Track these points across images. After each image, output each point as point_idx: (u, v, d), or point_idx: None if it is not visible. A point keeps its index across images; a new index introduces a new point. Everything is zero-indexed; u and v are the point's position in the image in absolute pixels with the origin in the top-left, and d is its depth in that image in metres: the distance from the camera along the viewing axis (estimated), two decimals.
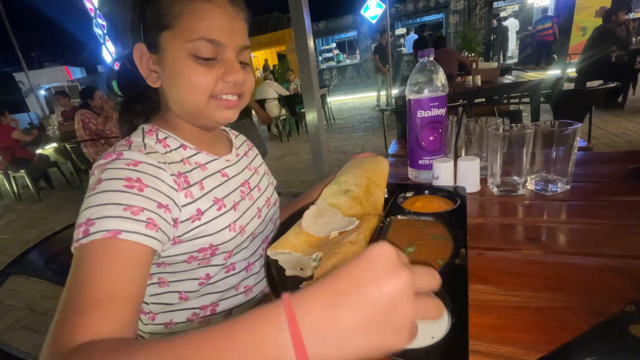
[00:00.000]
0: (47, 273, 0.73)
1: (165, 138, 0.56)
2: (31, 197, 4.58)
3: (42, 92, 11.87)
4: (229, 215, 0.56)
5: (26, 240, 3.24)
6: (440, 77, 0.75)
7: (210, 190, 0.56)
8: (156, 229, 0.43)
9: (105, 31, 8.59)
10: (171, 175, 0.50)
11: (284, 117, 5.89)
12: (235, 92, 0.55)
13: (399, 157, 2.28)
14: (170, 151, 0.54)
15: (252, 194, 0.65)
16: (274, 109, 5.64)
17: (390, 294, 0.24)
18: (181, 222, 0.50)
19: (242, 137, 0.77)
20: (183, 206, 0.50)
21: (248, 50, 0.56)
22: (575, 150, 0.66)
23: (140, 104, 0.59)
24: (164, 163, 0.50)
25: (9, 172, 4.42)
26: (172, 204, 0.48)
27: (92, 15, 8.55)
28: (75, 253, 0.39)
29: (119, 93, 0.59)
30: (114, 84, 0.59)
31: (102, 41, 8.79)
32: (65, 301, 0.35)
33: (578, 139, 0.66)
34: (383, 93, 7.73)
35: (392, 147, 2.63)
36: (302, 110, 5.66)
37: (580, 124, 0.66)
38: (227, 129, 0.76)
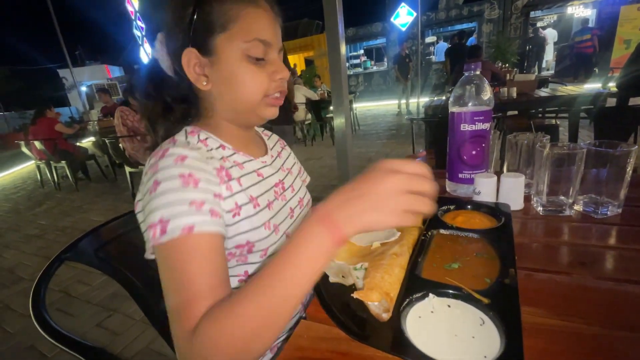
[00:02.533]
0: (95, 261, 0.78)
1: (206, 139, 0.58)
2: (69, 186, 4.86)
3: (84, 89, 12.60)
4: (264, 213, 0.58)
5: (63, 227, 3.43)
6: (487, 91, 0.74)
7: (247, 188, 0.58)
8: (218, 216, 0.49)
9: (143, 33, 9.03)
10: (214, 168, 0.53)
11: (309, 121, 5.95)
12: (281, 90, 0.59)
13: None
14: (210, 150, 0.57)
15: (286, 194, 0.67)
16: (301, 113, 5.72)
17: (385, 188, 0.36)
18: (225, 212, 0.53)
19: (275, 137, 0.79)
20: (225, 198, 0.53)
21: (283, 51, 0.60)
22: (630, 173, 0.63)
23: (179, 109, 0.60)
24: (207, 158, 0.53)
25: (51, 162, 4.71)
26: (220, 194, 0.52)
27: (133, 17, 9.02)
28: (159, 250, 0.45)
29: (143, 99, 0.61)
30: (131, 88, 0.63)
31: (140, 42, 9.25)
32: (179, 292, 0.43)
33: (633, 161, 0.63)
34: (404, 101, 7.82)
35: (420, 157, 2.59)
36: (327, 116, 5.70)
37: (636, 147, 0.63)
38: (261, 129, 0.78)
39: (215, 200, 0.50)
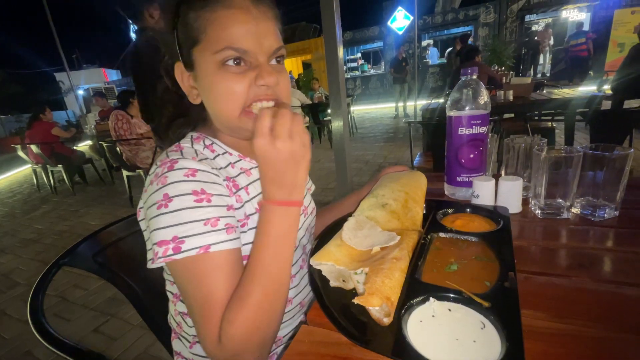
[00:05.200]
0: (93, 266, 0.77)
1: (212, 144, 0.57)
2: (66, 190, 4.84)
3: (80, 92, 12.57)
4: None
5: (60, 231, 3.41)
6: (483, 95, 0.75)
7: (255, 197, 0.57)
8: (234, 229, 0.49)
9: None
10: (223, 180, 0.52)
11: (307, 124, 5.97)
12: (270, 98, 0.52)
13: (424, 170, 2.25)
14: (216, 156, 0.56)
15: None
16: None
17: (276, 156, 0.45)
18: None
19: None
20: (237, 209, 0.53)
21: (282, 50, 0.54)
22: (627, 176, 0.63)
23: (182, 120, 0.60)
24: (216, 169, 0.52)
25: (48, 165, 4.68)
26: (232, 205, 0.52)
27: (130, 21, 9.02)
28: (174, 265, 0.46)
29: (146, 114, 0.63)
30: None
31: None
32: (200, 306, 0.46)
33: (630, 164, 0.63)
34: (401, 104, 7.90)
35: (417, 160, 2.60)
36: (325, 119, 5.71)
37: (632, 150, 0.64)
38: None
39: (230, 213, 0.50)
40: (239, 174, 0.57)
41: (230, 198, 0.52)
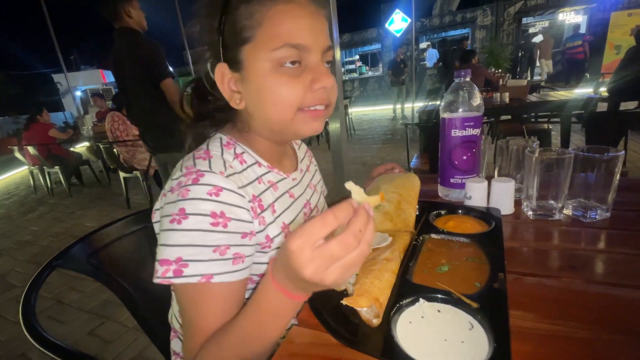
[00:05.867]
0: (87, 268, 0.77)
1: (242, 153, 0.54)
2: (63, 192, 4.81)
3: (78, 94, 12.53)
4: None
5: (56, 232, 3.39)
6: (476, 97, 0.75)
7: (280, 215, 0.54)
8: (242, 260, 0.47)
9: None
10: (249, 202, 0.49)
11: None
12: (323, 102, 0.50)
13: (420, 172, 2.26)
14: (246, 168, 0.53)
15: (313, 215, 0.64)
16: None
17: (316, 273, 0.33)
18: (255, 246, 0.51)
19: (304, 147, 0.76)
20: (257, 233, 0.50)
21: (331, 51, 0.51)
22: (618, 178, 0.64)
23: (209, 120, 0.56)
24: (243, 187, 0.49)
25: (45, 167, 4.66)
26: (252, 230, 0.49)
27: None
28: (173, 285, 0.45)
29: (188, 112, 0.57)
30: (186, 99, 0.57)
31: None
32: (189, 328, 0.47)
33: (620, 166, 0.64)
34: (399, 106, 7.93)
35: (414, 161, 2.61)
36: None
37: (623, 152, 0.64)
38: None
39: (244, 241, 0.47)
40: (265, 190, 0.54)
41: (251, 224, 0.49)
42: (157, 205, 0.51)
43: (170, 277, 0.43)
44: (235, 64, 0.48)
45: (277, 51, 0.45)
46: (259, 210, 0.50)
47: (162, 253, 0.44)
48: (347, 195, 0.38)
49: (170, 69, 1.93)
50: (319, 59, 0.48)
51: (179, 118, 0.59)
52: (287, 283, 0.37)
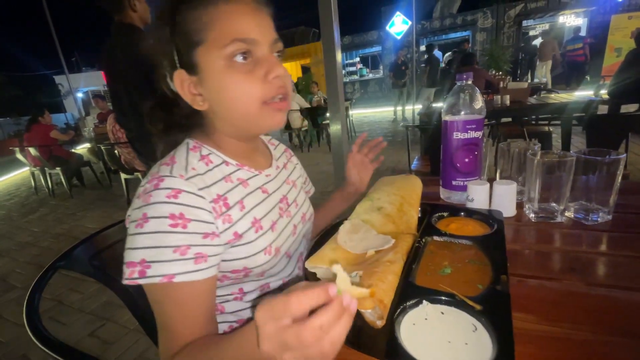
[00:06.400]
0: (89, 269, 0.77)
1: (209, 154, 0.56)
2: (64, 193, 4.81)
3: (80, 95, 12.56)
4: (267, 236, 0.56)
5: (57, 234, 3.39)
6: (478, 100, 0.75)
7: (250, 210, 0.55)
8: (204, 259, 0.47)
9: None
10: (210, 202, 0.50)
11: (306, 128, 5.98)
12: (281, 91, 0.53)
13: (421, 174, 2.26)
14: (212, 169, 0.54)
15: (290, 210, 0.65)
16: (296, 120, 5.77)
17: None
18: (221, 245, 0.51)
19: (282, 147, 0.77)
20: (221, 232, 0.51)
21: (280, 43, 0.54)
22: (619, 180, 0.64)
23: (178, 128, 0.58)
24: (204, 188, 0.50)
25: (46, 168, 4.67)
26: (214, 230, 0.50)
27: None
28: (145, 291, 0.47)
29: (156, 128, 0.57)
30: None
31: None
32: (161, 330, 0.48)
33: (622, 169, 0.64)
34: (399, 108, 7.95)
35: (415, 163, 2.61)
36: (323, 122, 5.74)
37: (625, 155, 0.64)
38: (267, 137, 0.75)
39: (206, 241, 0.48)
40: (234, 187, 0.55)
41: (213, 224, 0.50)
42: (128, 211, 0.52)
43: (136, 278, 0.44)
44: (191, 68, 0.51)
45: (227, 47, 0.48)
46: (223, 210, 0.52)
47: (128, 256, 0.46)
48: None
49: None
50: (268, 50, 0.51)
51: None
52: (254, 344, 0.32)
